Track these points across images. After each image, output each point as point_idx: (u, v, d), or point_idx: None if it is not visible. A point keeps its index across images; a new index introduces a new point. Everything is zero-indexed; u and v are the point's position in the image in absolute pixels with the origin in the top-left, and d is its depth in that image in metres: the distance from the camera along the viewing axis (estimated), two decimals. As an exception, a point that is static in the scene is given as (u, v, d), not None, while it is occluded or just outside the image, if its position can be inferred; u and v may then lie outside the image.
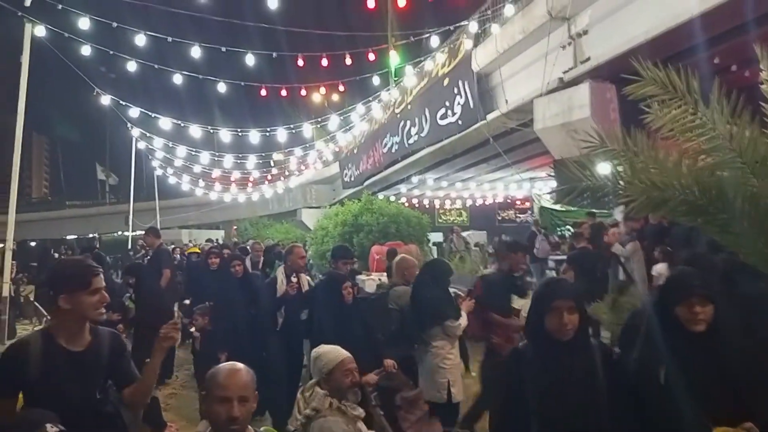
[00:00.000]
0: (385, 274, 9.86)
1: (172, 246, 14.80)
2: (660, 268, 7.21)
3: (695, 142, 3.92)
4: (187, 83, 10.42)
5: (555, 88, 10.05)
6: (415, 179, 21.04)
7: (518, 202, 28.72)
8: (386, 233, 12.26)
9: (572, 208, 13.84)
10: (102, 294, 2.39)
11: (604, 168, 5.06)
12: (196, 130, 13.34)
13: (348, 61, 11.04)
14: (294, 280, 5.39)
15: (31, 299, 11.30)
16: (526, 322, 2.57)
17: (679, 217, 3.90)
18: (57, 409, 2.19)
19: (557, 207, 13.84)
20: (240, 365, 2.10)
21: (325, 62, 10.98)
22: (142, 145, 18.17)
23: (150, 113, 12.48)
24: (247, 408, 2.00)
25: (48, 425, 2.04)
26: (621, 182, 3.99)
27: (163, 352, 2.50)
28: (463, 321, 4.48)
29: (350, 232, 12.92)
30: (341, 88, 15.42)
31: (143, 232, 22.61)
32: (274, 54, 9.95)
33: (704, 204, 3.51)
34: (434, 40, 11.44)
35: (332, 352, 2.70)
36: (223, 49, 9.36)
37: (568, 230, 12.90)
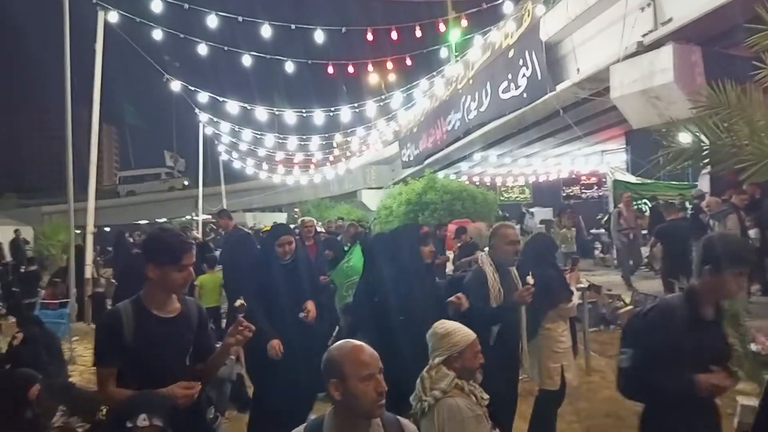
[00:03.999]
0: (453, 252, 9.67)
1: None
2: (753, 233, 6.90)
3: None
4: (252, 65, 10.40)
5: (633, 53, 9.46)
6: (477, 156, 20.61)
7: (584, 178, 27.70)
8: (451, 211, 12.06)
9: (648, 181, 13.15)
10: (189, 271, 2.43)
11: (685, 137, 4.66)
12: (261, 113, 13.43)
13: (414, 33, 10.68)
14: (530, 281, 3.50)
15: (113, 281, 11.76)
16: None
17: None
18: (151, 373, 2.27)
19: (633, 180, 13.17)
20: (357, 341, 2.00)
21: (394, 35, 10.63)
22: (208, 129, 18.54)
23: (217, 97, 12.63)
24: None
25: (142, 416, 1.99)
26: (735, 144, 3.64)
27: (228, 349, 2.51)
28: (575, 299, 4.18)
29: (415, 210, 12.80)
30: (397, 64, 15.08)
31: (210, 216, 23.33)
32: (344, 29, 9.72)
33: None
34: (507, 6, 10.82)
35: (463, 329, 2.53)
36: (293, 26, 9.23)
37: (646, 204, 12.27)
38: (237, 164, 25.33)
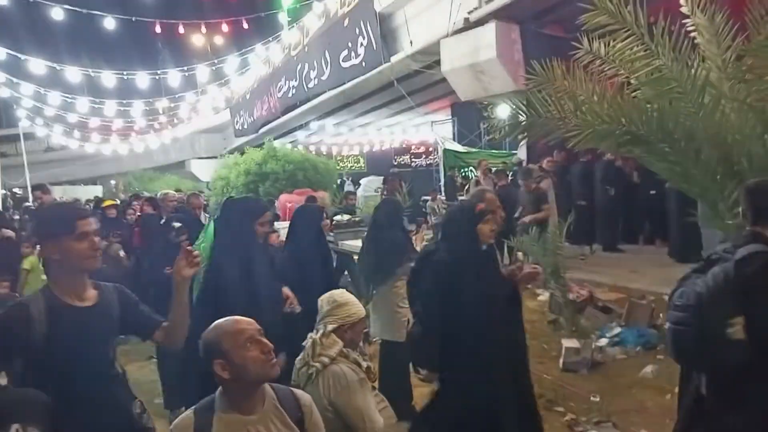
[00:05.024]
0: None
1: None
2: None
3: (624, 74, 4.07)
4: (63, 20, 9.03)
5: (461, 29, 10.01)
6: (314, 125, 20.54)
7: (414, 147, 29.11)
8: (294, 181, 11.95)
9: (473, 150, 14.23)
10: (92, 240, 2.12)
11: (503, 109, 5.13)
12: (73, 74, 11.87)
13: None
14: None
15: None
16: None
17: (619, 148, 4.04)
18: (67, 371, 2.00)
19: (460, 149, 14.15)
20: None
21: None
22: (5, 92, 15.96)
23: (18, 55, 10.87)
24: None
25: (14, 427, 1.71)
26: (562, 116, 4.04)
27: (184, 286, 2.24)
28: None
29: (255, 181, 12.45)
30: (232, 27, 14.36)
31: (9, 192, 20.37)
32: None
33: (646, 134, 3.65)
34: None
35: (357, 303, 2.56)
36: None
37: (471, 171, 13.29)
38: (41, 132, 22.33)
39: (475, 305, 2.67)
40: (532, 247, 5.71)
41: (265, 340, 1.84)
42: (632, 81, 4.01)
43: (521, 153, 11.15)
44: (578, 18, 3.98)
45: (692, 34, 3.85)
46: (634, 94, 3.93)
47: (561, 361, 4.85)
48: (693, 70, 3.55)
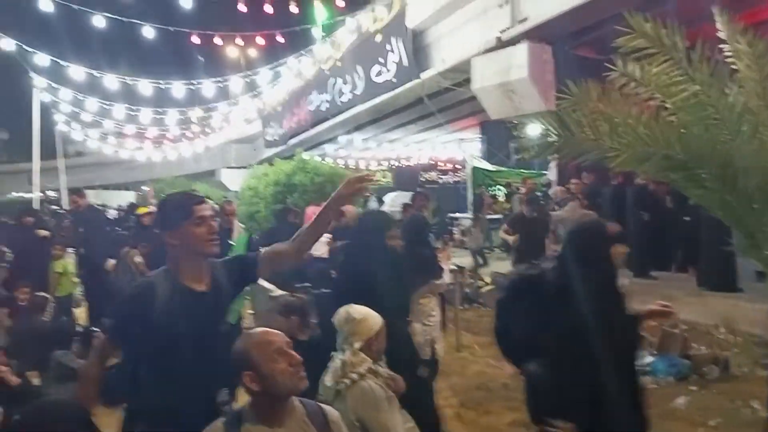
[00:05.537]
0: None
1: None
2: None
3: (660, 98, 4.01)
4: (105, 27, 9.32)
5: (493, 48, 10.03)
6: (342, 139, 20.71)
7: (441, 164, 29.12)
8: (323, 193, 11.99)
9: (503, 169, 14.18)
10: (209, 225, 2.21)
11: (534, 129, 5.10)
12: (111, 81, 12.21)
13: (288, 9, 10.36)
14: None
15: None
16: None
17: (657, 172, 3.98)
18: (180, 352, 2.08)
19: (490, 167, 14.12)
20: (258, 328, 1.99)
21: (267, 8, 10.21)
22: (45, 96, 16.48)
23: (59, 61, 11.23)
24: None
25: None
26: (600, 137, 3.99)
27: (339, 201, 2.48)
28: (447, 277, 4.48)
29: (283, 192, 12.55)
30: (267, 40, 14.62)
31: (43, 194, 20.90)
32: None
33: (684, 160, 3.59)
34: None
35: (373, 313, 2.55)
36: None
37: (500, 189, 13.26)
38: (78, 136, 22.93)
39: (618, 342, 2.45)
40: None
41: (293, 353, 1.84)
42: (668, 105, 3.96)
43: (551, 174, 11.06)
44: (611, 40, 3.95)
45: (729, 59, 3.80)
46: (669, 118, 3.88)
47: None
48: (731, 97, 3.49)
